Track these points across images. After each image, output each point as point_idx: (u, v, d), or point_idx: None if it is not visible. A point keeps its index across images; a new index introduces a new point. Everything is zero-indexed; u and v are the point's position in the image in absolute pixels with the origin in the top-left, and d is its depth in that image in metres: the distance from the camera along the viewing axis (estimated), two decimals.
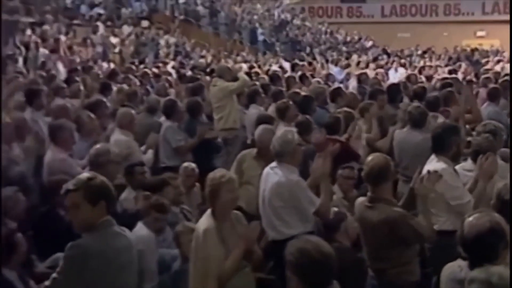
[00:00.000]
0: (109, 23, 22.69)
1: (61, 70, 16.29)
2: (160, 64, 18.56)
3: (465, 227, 3.58)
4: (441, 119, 7.79)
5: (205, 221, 4.55)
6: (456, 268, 3.74)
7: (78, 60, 18.14)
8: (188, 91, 10.80)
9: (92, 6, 23.11)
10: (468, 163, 5.88)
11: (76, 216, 4.02)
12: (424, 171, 5.55)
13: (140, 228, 5.45)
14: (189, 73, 15.51)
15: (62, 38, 19.23)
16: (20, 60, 17.19)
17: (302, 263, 3.35)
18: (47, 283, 4.03)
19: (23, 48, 17.41)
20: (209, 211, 4.64)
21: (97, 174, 4.15)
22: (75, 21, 21.66)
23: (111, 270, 3.95)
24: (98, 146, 5.94)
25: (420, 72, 17.44)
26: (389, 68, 20.58)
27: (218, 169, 4.96)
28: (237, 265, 4.50)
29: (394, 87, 10.23)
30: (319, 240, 3.57)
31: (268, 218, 5.55)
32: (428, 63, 21.98)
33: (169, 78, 14.01)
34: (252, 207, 6.14)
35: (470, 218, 3.60)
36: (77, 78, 12.31)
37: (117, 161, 5.63)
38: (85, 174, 4.17)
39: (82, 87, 11.17)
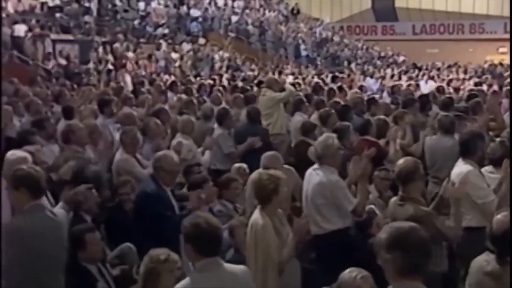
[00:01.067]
0: (170, 41, 22.93)
1: (128, 82, 16.54)
2: (216, 77, 18.67)
3: (494, 224, 3.59)
4: (469, 127, 7.65)
5: (260, 217, 4.54)
6: (483, 262, 3.74)
7: (143, 73, 18.40)
8: (242, 100, 10.79)
9: (156, 26, 23.39)
10: (490, 166, 5.77)
11: (10, 199, 4.44)
12: (453, 173, 5.52)
13: None
14: (240, 84, 15.52)
15: (130, 54, 19.53)
16: (95, 74, 17.55)
17: (194, 233, 3.56)
18: None
19: (100, 65, 17.75)
20: (258, 209, 4.62)
21: (28, 166, 4.43)
22: (142, 40, 21.93)
23: (41, 246, 4.18)
24: (159, 153, 5.98)
25: (448, 84, 17.19)
26: (419, 80, 20.29)
27: (271, 170, 4.94)
28: (292, 253, 4.54)
29: (424, 97, 10.09)
30: (209, 215, 3.87)
31: (311, 214, 5.50)
32: (455, 76, 21.61)
33: (220, 88, 14.00)
34: None
35: (499, 216, 3.62)
36: (143, 89, 12.46)
37: (169, 170, 5.68)
38: (18, 165, 4.48)
39: (150, 97, 11.29)
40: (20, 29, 17.60)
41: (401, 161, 4.91)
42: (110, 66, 17.76)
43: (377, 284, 4.68)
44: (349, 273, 3.64)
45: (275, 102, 9.94)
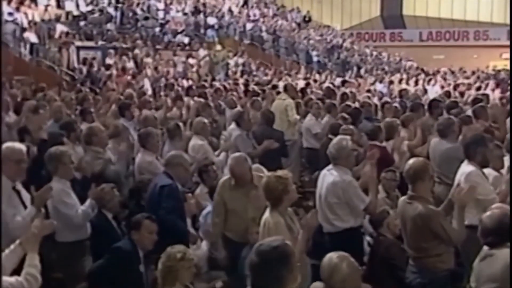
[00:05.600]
0: (188, 47, 22.99)
1: (148, 87, 16.57)
2: (231, 81, 18.66)
3: (487, 219, 3.93)
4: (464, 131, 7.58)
5: (272, 216, 4.56)
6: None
7: (162, 78, 18.42)
8: (259, 103, 10.79)
9: (174, 33, 23.47)
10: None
11: None
12: (458, 173, 5.50)
13: None
14: (256, 88, 15.46)
15: (149, 60, 19.58)
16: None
17: None
18: None
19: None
20: (269, 208, 4.63)
21: None
22: (161, 46, 22.00)
23: None
24: (173, 152, 6.02)
25: (454, 89, 17.06)
26: (425, 85, 20.12)
27: (280, 170, 4.94)
28: (304, 248, 4.53)
29: (434, 101, 10.01)
30: None
31: (324, 213, 5.52)
32: (461, 81, 21.41)
33: (234, 93, 13.95)
34: (239, 235, 5.64)
35: (488, 213, 3.96)
36: (162, 93, 12.47)
37: (185, 166, 5.75)
38: None
39: (169, 100, 11.28)
40: (31, 37, 17.73)
41: (411, 160, 4.91)
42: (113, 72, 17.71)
43: (388, 281, 4.67)
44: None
45: (285, 113, 10.01)
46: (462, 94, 15.75)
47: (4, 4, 17.70)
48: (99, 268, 4.93)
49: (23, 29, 17.76)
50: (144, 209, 5.84)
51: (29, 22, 18.14)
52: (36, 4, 19.61)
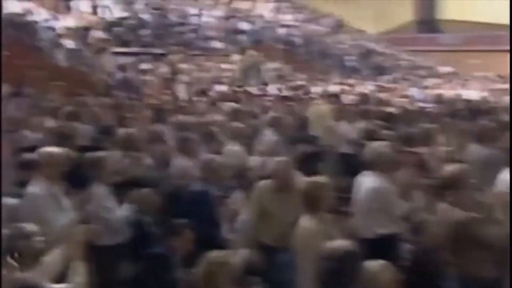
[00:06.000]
0: (221, 52, 23.12)
1: (183, 92, 16.70)
2: (262, 86, 18.69)
3: None
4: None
5: (309, 222, 4.57)
6: None
7: (197, 84, 18.54)
8: (293, 109, 10.82)
9: (208, 39, 23.62)
10: None
11: None
12: (498, 180, 5.44)
13: None
14: (290, 93, 15.47)
15: (184, 65, 19.74)
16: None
17: None
18: None
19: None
20: (306, 213, 4.62)
21: None
22: (194, 52, 22.16)
23: None
24: (206, 156, 6.10)
25: (492, 94, 16.85)
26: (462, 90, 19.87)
27: (318, 176, 4.94)
28: None
29: (471, 107, 9.91)
30: None
31: (361, 219, 5.48)
32: (498, 86, 21.11)
33: (268, 98, 13.94)
34: (277, 240, 5.57)
35: None
36: (196, 99, 12.57)
37: (218, 171, 5.83)
38: None
39: (204, 106, 11.37)
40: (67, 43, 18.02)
41: (449, 167, 4.85)
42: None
43: None
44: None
45: (322, 118, 10.01)
46: (499, 99, 15.52)
47: (41, 10, 18.07)
48: (135, 274, 4.98)
49: (59, 35, 18.07)
50: (180, 215, 5.92)
51: (65, 28, 18.44)
52: (72, 11, 19.94)
